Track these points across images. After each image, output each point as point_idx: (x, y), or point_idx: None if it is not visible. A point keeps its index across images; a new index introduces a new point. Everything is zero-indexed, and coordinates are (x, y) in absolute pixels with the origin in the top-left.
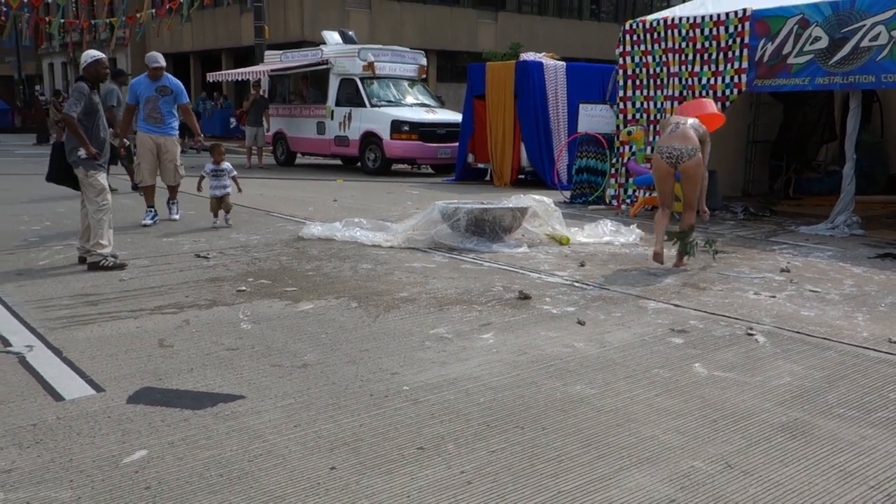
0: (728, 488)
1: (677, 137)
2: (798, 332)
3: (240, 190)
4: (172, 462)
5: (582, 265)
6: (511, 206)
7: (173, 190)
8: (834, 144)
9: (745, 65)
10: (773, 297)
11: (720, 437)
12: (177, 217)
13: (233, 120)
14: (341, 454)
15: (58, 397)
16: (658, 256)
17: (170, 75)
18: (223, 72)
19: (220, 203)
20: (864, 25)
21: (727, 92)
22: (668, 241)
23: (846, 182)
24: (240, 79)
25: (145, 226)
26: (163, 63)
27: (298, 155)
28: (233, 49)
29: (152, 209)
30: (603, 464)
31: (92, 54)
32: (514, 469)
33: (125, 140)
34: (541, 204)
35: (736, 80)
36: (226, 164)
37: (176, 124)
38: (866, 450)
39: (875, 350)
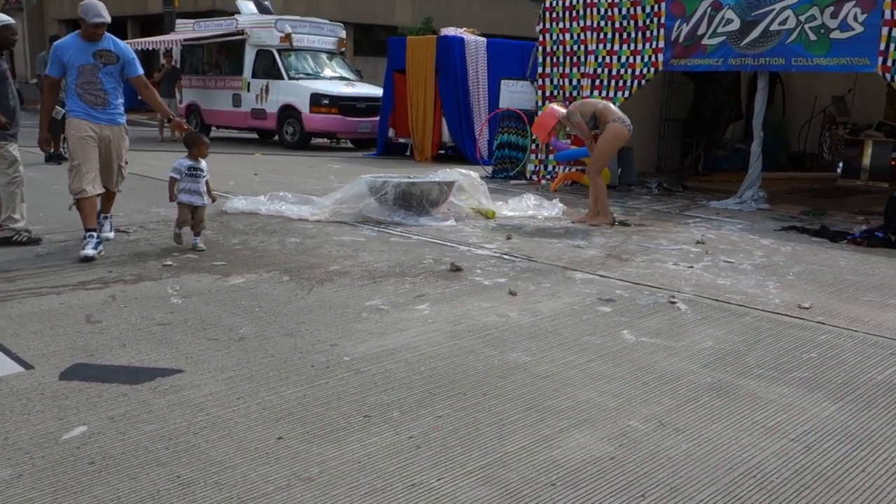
0: (663, 444)
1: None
2: (716, 300)
3: (213, 199)
4: (115, 437)
5: (509, 238)
6: (438, 180)
7: (111, 198)
8: (740, 123)
9: (661, 44)
10: (691, 267)
11: (652, 398)
12: (111, 235)
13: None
14: (287, 424)
15: None
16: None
17: (113, 37)
18: (135, 40)
19: (191, 214)
20: (774, 10)
21: (644, 70)
22: None
23: (753, 159)
24: (150, 48)
25: (87, 259)
26: (107, 17)
27: (213, 128)
28: (139, 17)
29: (94, 234)
30: (544, 426)
31: (0, 18)
32: (461, 433)
33: (56, 107)
34: (467, 178)
35: (653, 59)
36: (204, 163)
37: (122, 107)
38: (784, 406)
39: (787, 315)
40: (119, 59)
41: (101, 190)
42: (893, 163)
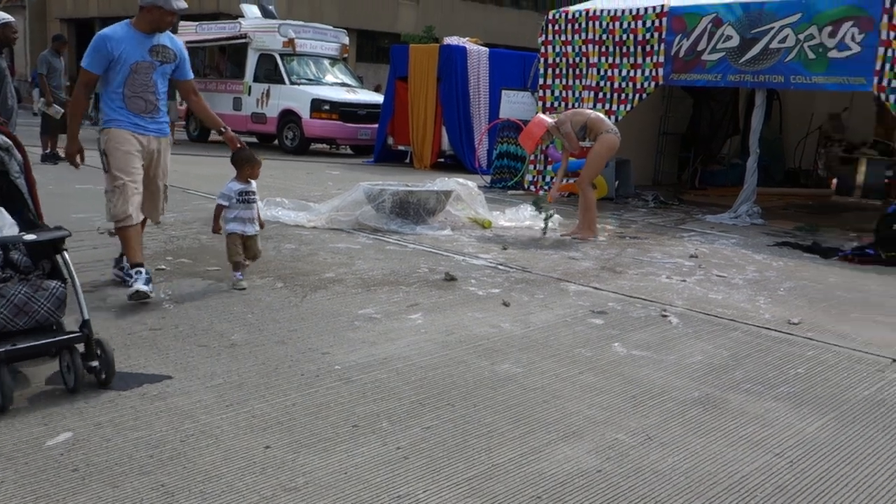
0: (649, 458)
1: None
2: (707, 314)
3: (262, 225)
4: (100, 443)
5: (504, 248)
6: (436, 188)
7: (138, 233)
8: (737, 138)
9: (662, 59)
10: (684, 280)
11: (640, 411)
12: (148, 290)
13: None
14: (275, 433)
15: None
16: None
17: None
18: None
19: (244, 246)
20: (773, 28)
21: (645, 84)
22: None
23: (749, 174)
24: None
25: (141, 295)
26: (185, 4)
27: (213, 131)
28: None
29: (142, 269)
30: (532, 438)
31: (0, 16)
32: (448, 444)
33: (54, 106)
34: (464, 188)
35: (654, 73)
36: (255, 184)
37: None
38: (770, 421)
39: (776, 330)
40: (177, 56)
41: (141, 217)
42: (887, 181)
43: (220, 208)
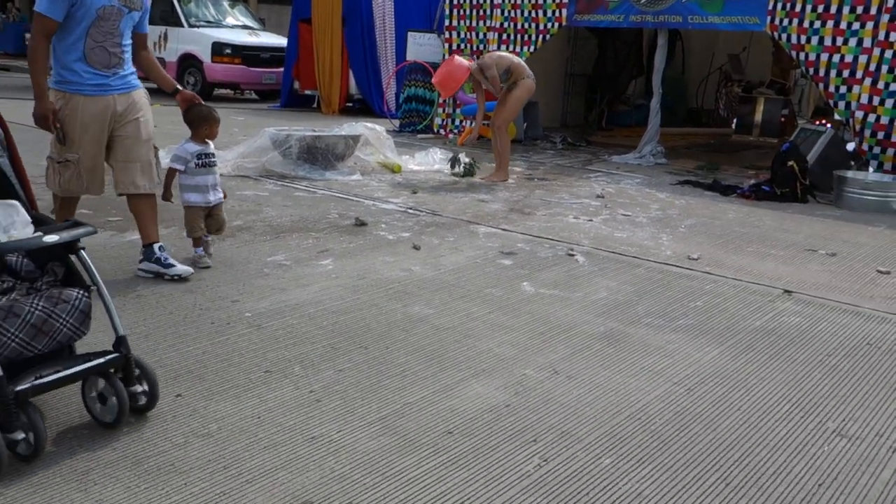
0: (556, 391)
1: None
2: (612, 252)
3: (224, 195)
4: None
5: (414, 192)
6: (344, 133)
7: (151, 213)
8: (642, 79)
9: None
10: (591, 220)
11: (548, 347)
12: (183, 271)
13: (28, 36)
14: (186, 381)
15: None
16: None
17: None
18: None
19: (208, 216)
20: None
21: (548, 25)
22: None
23: (653, 115)
24: None
25: None
26: None
27: None
28: None
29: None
30: (444, 376)
31: None
32: (362, 385)
33: None
34: (373, 132)
35: (557, 14)
36: (213, 145)
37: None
38: (670, 352)
39: (677, 266)
40: (142, 5)
41: (99, 191)
42: (783, 119)
43: (172, 173)
